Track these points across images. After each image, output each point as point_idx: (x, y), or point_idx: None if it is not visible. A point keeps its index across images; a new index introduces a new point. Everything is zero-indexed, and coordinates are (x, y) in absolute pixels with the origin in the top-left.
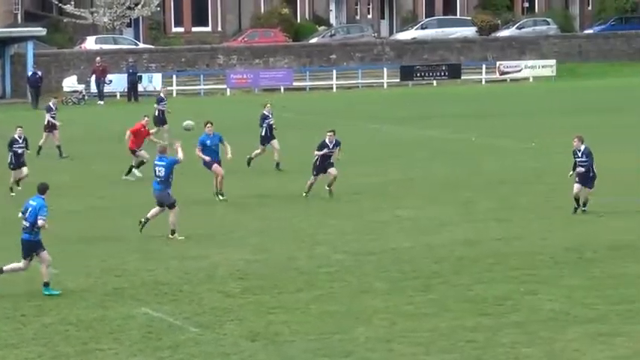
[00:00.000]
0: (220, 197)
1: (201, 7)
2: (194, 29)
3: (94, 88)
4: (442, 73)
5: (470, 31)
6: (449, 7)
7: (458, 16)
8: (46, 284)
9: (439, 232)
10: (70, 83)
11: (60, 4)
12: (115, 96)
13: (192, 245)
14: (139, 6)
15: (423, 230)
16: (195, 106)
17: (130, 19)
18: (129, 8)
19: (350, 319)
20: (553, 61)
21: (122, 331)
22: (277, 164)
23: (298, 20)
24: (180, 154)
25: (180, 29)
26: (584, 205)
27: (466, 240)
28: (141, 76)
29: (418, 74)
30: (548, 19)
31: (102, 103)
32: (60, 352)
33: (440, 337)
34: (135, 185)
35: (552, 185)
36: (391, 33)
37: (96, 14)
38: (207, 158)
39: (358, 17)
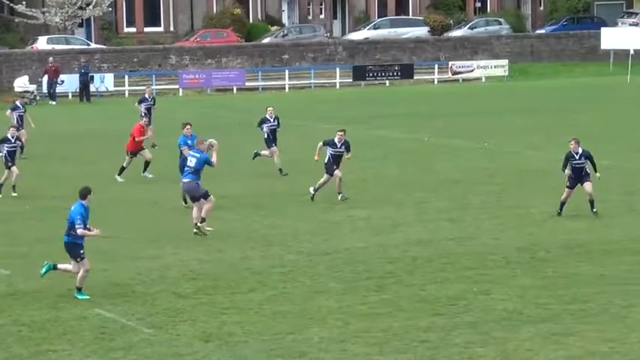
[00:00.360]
0: (185, 204)
1: (154, 8)
2: (146, 29)
3: (46, 89)
4: (395, 73)
5: (422, 31)
6: (401, 7)
7: (410, 17)
8: (79, 289)
9: (392, 232)
10: (21, 83)
11: (11, 4)
12: (67, 96)
13: (145, 246)
14: (91, 6)
15: (377, 230)
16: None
17: (82, 19)
18: (80, 8)
19: (303, 319)
20: (505, 61)
21: (75, 332)
22: (280, 170)
23: (250, 20)
24: (214, 159)
25: (133, 29)
26: (592, 204)
27: (419, 240)
28: (93, 76)
29: (371, 74)
30: (500, 19)
31: (54, 103)
32: (13, 353)
33: (393, 337)
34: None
35: (504, 185)
36: (344, 33)
37: (48, 14)
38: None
39: (311, 17)
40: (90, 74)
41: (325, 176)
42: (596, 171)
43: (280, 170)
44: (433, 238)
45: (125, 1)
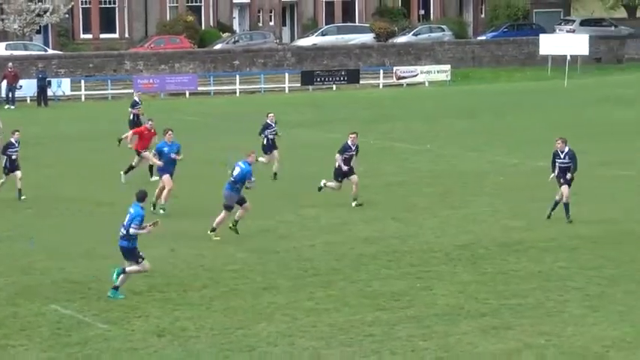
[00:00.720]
0: (158, 209)
1: (109, 15)
2: (102, 36)
3: (4, 93)
4: (341, 78)
5: (368, 38)
6: (348, 14)
7: (357, 24)
8: (116, 288)
9: (340, 230)
10: None
11: None
12: (25, 100)
13: (101, 245)
14: (48, 13)
15: (325, 229)
16: (104, 110)
17: (40, 26)
18: (38, 15)
19: (253, 314)
20: (448, 67)
21: (33, 327)
22: (275, 174)
23: (203, 27)
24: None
25: (89, 36)
26: (567, 208)
27: (365, 238)
28: (50, 81)
29: (318, 79)
30: (443, 26)
31: (12, 107)
32: None
33: (339, 332)
34: (44, 186)
35: (447, 186)
36: (292, 39)
37: (6, 21)
38: (160, 163)
39: (261, 24)
40: (47, 79)
41: (334, 183)
42: (571, 172)
43: (275, 174)
44: (378, 237)
45: (81, 9)
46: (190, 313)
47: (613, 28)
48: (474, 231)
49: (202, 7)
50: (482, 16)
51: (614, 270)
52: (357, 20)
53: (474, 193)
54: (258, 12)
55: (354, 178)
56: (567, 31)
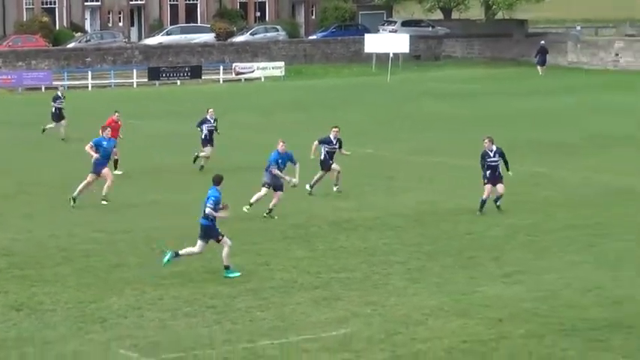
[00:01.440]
0: (104, 202)
1: None
2: None
3: None
4: (185, 74)
5: (209, 37)
6: (191, 16)
7: (199, 24)
8: (227, 267)
9: (183, 213)
10: None
11: None
12: None
13: None
14: None
15: (170, 212)
16: None
17: None
18: None
19: (105, 289)
20: (282, 63)
21: None
22: (202, 167)
23: (57, 27)
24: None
25: None
26: (498, 200)
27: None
28: None
29: (164, 75)
30: (277, 27)
31: None
32: None
33: (184, 304)
34: None
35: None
36: (140, 39)
37: None
38: (96, 155)
39: (111, 25)
40: None
41: (320, 172)
42: (508, 169)
43: (202, 167)
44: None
45: None
46: (47, 289)
47: (431, 28)
48: (307, 211)
49: (56, 9)
50: (313, 17)
51: (432, 246)
52: (199, 21)
53: (307, 178)
54: (108, 13)
55: (335, 165)
56: (390, 32)
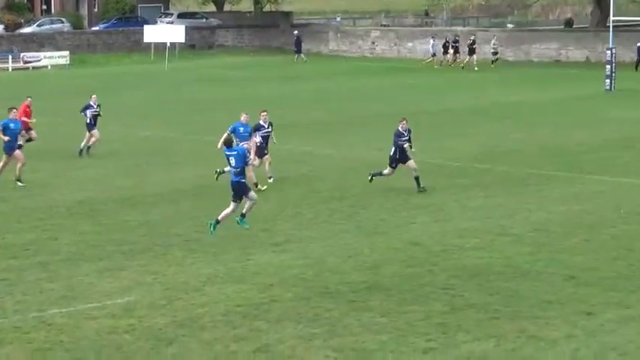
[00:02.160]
0: (19, 183)
1: None
2: None
3: None
4: None
5: None
6: None
7: None
8: (243, 215)
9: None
10: None
11: None
12: None
13: None
14: None
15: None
16: None
17: None
18: None
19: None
20: (67, 53)
21: None
22: (88, 149)
23: None
24: (253, 158)
25: None
26: (418, 181)
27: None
28: None
29: None
30: (62, 19)
31: None
32: None
33: None
34: None
35: (71, 151)
36: None
37: None
38: (6, 138)
39: None
40: None
41: (257, 161)
42: (411, 147)
43: (88, 148)
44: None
45: None
46: None
47: (205, 20)
48: (92, 188)
49: None
50: (96, 10)
51: (208, 218)
52: None
53: (98, 158)
54: None
55: (266, 157)
56: (167, 23)
